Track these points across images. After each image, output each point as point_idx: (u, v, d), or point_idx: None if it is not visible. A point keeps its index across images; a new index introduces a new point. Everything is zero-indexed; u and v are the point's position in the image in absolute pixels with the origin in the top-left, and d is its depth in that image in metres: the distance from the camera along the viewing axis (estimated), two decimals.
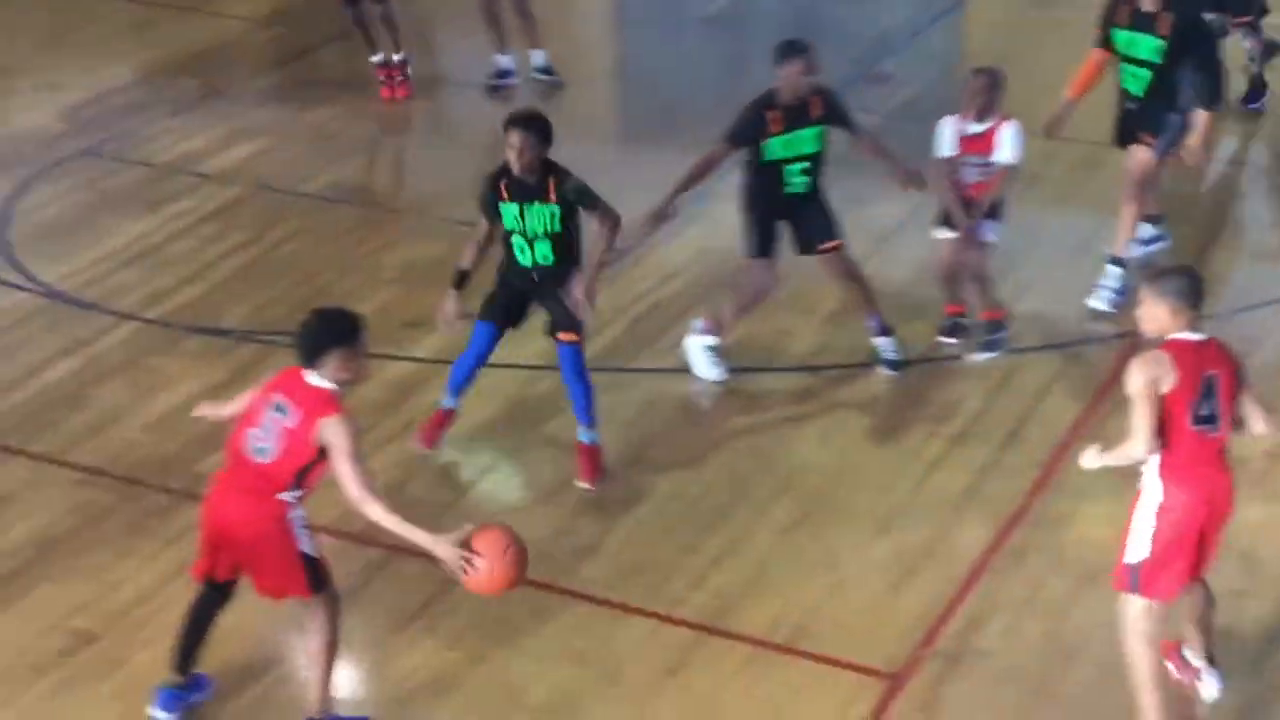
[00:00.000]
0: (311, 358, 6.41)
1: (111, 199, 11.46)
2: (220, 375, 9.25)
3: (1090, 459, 6.75)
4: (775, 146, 9.09)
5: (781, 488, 8.45)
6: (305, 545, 6.55)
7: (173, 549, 7.89)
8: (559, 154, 11.33)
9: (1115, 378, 9.15)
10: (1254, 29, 12.52)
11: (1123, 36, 9.85)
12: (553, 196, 8.11)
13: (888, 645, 7.36)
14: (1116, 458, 6.61)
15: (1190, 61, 9.73)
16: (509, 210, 8.18)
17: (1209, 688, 6.98)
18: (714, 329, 9.37)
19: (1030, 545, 8.01)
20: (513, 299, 8.41)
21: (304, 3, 14.49)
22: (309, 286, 10.18)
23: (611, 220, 8.27)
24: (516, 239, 8.23)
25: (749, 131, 9.13)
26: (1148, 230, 10.50)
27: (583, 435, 8.49)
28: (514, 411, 9.04)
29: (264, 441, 6.40)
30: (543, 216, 8.14)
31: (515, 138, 8.05)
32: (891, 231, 10.92)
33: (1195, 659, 7.00)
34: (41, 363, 9.43)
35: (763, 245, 9.30)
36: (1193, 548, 6.52)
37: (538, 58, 13.16)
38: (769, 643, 7.41)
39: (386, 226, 11.07)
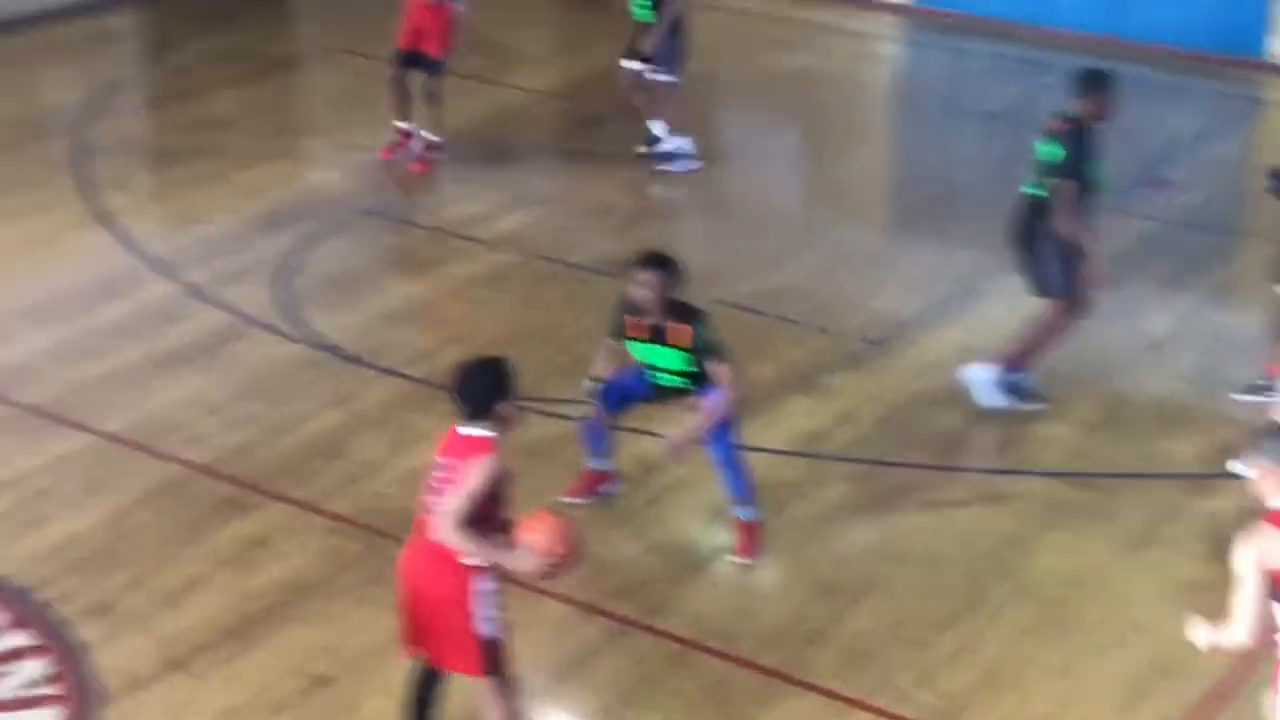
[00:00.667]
0: (476, 413, 6.50)
1: (390, 258, 11.87)
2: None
3: (1202, 636, 6.30)
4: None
5: (1020, 592, 8.31)
6: (484, 624, 6.56)
7: None
8: (831, 238, 11.49)
9: None
10: None
11: None
12: (679, 342, 8.13)
13: None
14: (1221, 645, 6.22)
15: None
16: (636, 347, 8.28)
17: None
18: (1007, 361, 9.56)
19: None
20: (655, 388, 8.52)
21: (590, 77, 14.83)
22: (568, 355, 10.37)
23: (728, 386, 8.11)
24: (649, 369, 8.33)
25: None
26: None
27: (741, 512, 8.49)
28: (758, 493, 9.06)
29: (437, 502, 6.50)
30: (669, 358, 8.20)
31: (644, 277, 8.07)
32: (1163, 339, 10.69)
33: None
34: (308, 413, 9.78)
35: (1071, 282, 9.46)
36: None
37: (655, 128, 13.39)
38: None
39: None
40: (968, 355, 10.51)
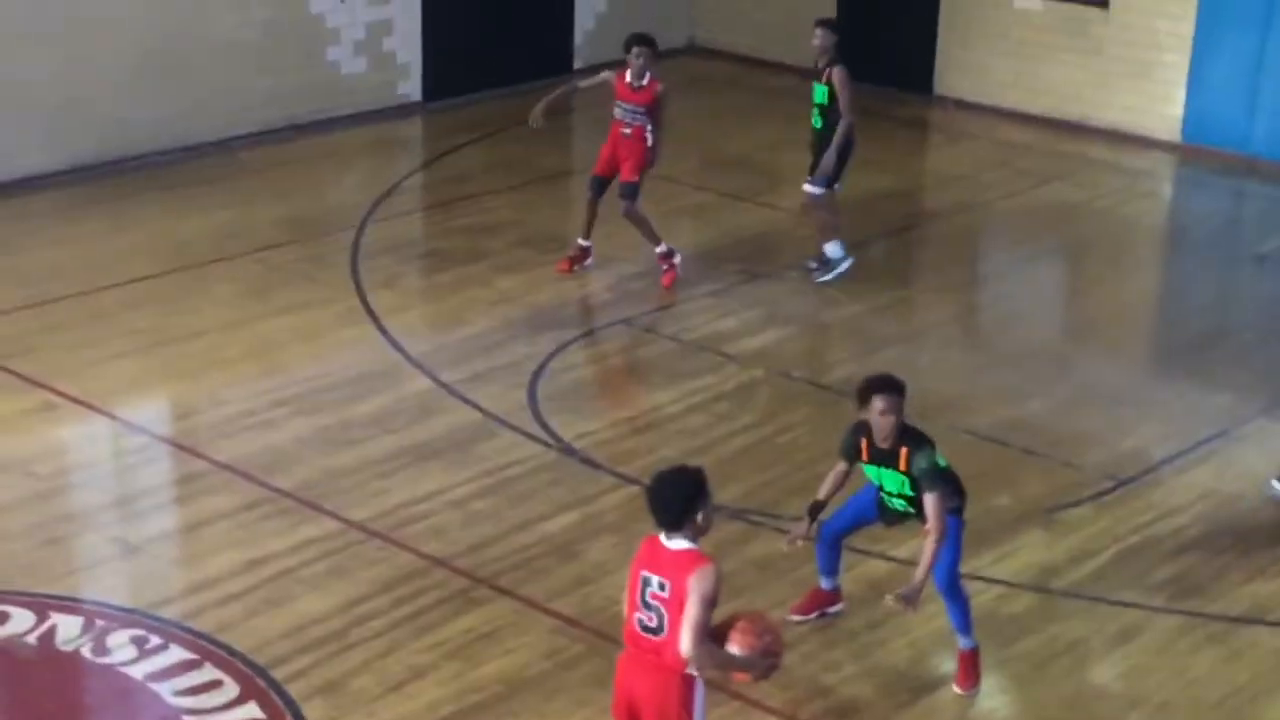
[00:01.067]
0: (676, 521, 6.59)
1: (637, 368, 12.08)
2: (706, 547, 9.51)
3: None
4: None
5: None
6: None
7: None
8: (1083, 373, 11.33)
9: None
10: None
11: None
12: (903, 467, 8.12)
13: None
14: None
15: None
16: (869, 469, 8.33)
17: None
18: None
19: None
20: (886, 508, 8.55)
21: (856, 200, 14.92)
22: (805, 473, 10.39)
23: (940, 525, 7.99)
24: (880, 492, 8.37)
25: None
26: None
27: (964, 642, 8.45)
28: (982, 625, 8.93)
29: (652, 620, 6.58)
30: (896, 482, 8.19)
31: (880, 403, 8.08)
32: None
33: None
34: (544, 513, 9.98)
35: None
36: None
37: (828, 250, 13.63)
38: None
39: None
40: (1212, 498, 10.28)
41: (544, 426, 11.02)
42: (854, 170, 14.40)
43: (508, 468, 10.49)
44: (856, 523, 8.72)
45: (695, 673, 6.61)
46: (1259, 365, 12.37)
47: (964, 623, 8.36)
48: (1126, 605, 9.20)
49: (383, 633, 8.80)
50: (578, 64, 18.80)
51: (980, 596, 9.13)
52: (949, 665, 8.54)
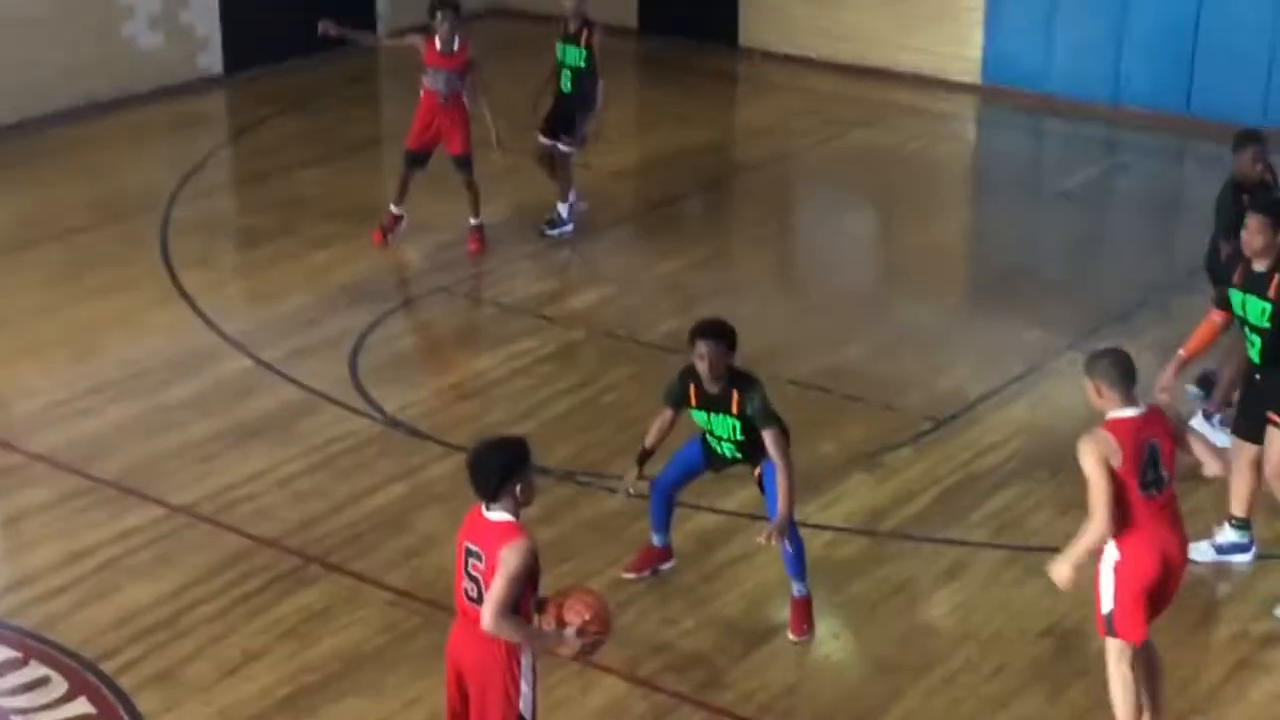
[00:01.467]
0: (494, 493, 6.59)
1: (459, 335, 12.03)
2: (535, 511, 9.50)
3: (1061, 569, 7.35)
4: None
5: (1080, 671, 8.26)
6: (525, 706, 6.65)
7: None
8: (899, 315, 11.53)
9: None
10: None
11: (1236, 297, 8.75)
12: (735, 410, 8.19)
13: None
14: (1085, 545, 7.26)
15: None
16: (698, 415, 8.36)
17: None
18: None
19: None
20: (713, 457, 8.59)
21: (666, 156, 15.00)
22: (631, 433, 10.42)
23: (786, 465, 8.13)
24: (708, 437, 8.43)
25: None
26: (1231, 536, 9.17)
27: (798, 589, 8.52)
28: (813, 571, 9.06)
29: (474, 591, 6.58)
30: (727, 426, 8.26)
31: (703, 348, 8.13)
32: None
33: None
34: (372, 487, 9.91)
35: None
36: (1151, 598, 7.32)
37: (562, 210, 13.57)
38: None
39: None
40: (1031, 433, 10.53)
41: (367, 399, 10.94)
42: (663, 125, 14.55)
43: (333, 443, 10.40)
44: (686, 474, 8.78)
45: (520, 651, 6.60)
46: (1066, 300, 12.67)
47: (798, 569, 8.46)
48: (951, 543, 9.39)
49: (215, 617, 8.69)
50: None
51: (811, 543, 9.21)
52: (783, 613, 8.65)
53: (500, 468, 6.58)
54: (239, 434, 10.50)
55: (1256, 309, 8.66)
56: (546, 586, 8.51)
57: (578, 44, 13.15)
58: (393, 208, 13.32)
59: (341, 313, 12.14)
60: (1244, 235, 8.65)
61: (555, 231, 13.49)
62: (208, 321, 12.02)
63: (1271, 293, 8.60)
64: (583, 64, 13.13)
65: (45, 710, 7.95)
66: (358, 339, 11.75)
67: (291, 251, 13.23)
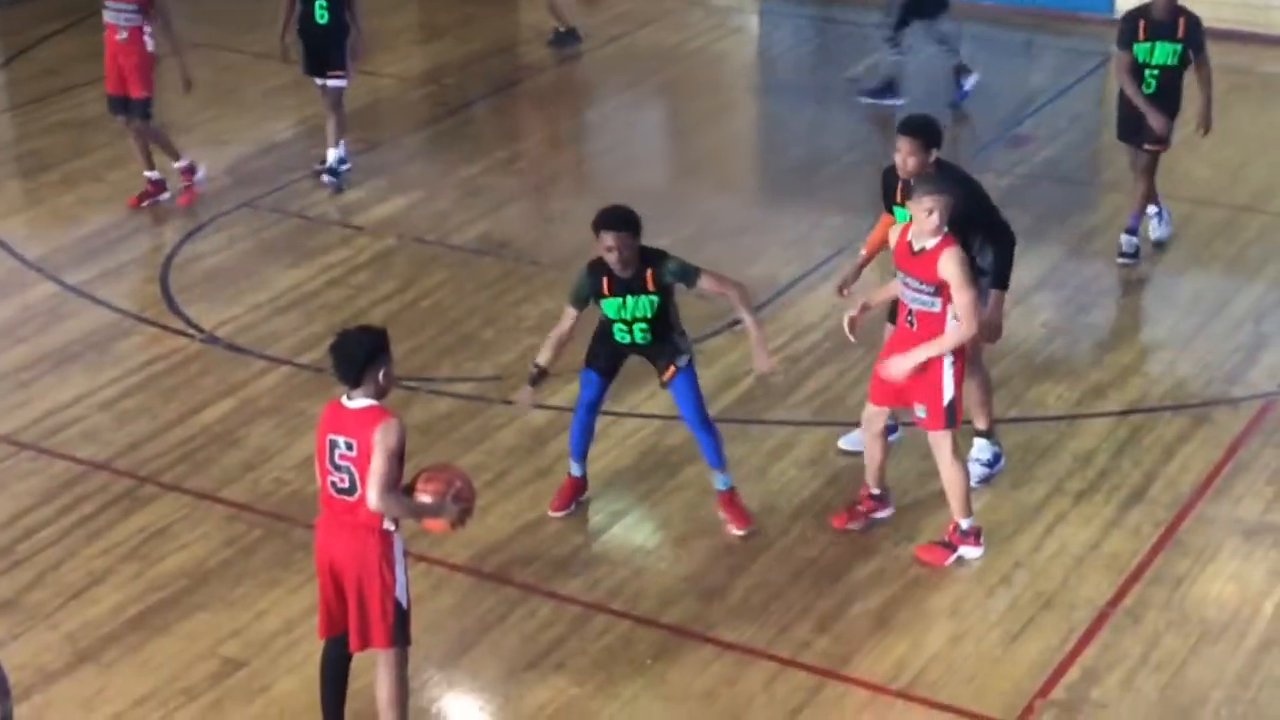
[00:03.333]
0: (357, 378, 6.65)
1: (269, 249, 11.95)
2: None
3: (903, 366, 8.04)
4: None
5: (906, 538, 8.61)
6: (401, 592, 6.79)
7: (316, 582, 8.25)
8: (702, 208, 11.73)
9: (1243, 440, 9.30)
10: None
11: (902, 213, 8.62)
12: (652, 285, 8.23)
13: (1005, 694, 7.50)
14: (947, 346, 7.95)
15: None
16: (612, 304, 8.32)
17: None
18: None
19: (1150, 602, 8.10)
20: (614, 352, 8.57)
21: (456, 62, 14.97)
22: (453, 335, 10.55)
23: (731, 284, 8.33)
24: (617, 326, 8.40)
25: None
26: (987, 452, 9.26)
27: (718, 481, 8.70)
28: (646, 460, 9.30)
29: (344, 481, 6.67)
30: (643, 305, 8.28)
31: (610, 239, 8.10)
32: (1028, 291, 11.06)
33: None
34: (198, 405, 9.87)
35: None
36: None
37: (331, 155, 12.81)
38: (889, 689, 7.58)
39: (530, 279, 11.41)
40: (843, 313, 10.80)
41: (183, 318, 10.84)
42: (449, 31, 14.49)
43: (152, 363, 10.32)
44: (601, 389, 8.66)
45: (391, 527, 6.72)
46: (863, 185, 12.90)
47: (718, 457, 8.59)
48: (776, 423, 9.67)
49: (52, 543, 8.63)
50: None
51: (640, 433, 9.49)
52: (618, 504, 8.87)
53: (364, 353, 6.65)
54: (54, 359, 10.35)
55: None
56: None
57: None
58: (146, 173, 12.40)
59: (146, 232, 11.99)
60: (897, 159, 8.59)
61: (333, 180, 12.77)
62: (6, 248, 11.76)
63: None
64: None
65: None
66: (166, 258, 11.62)
67: (85, 173, 12.99)
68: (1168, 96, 10.96)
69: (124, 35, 11.95)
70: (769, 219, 12.46)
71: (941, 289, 7.90)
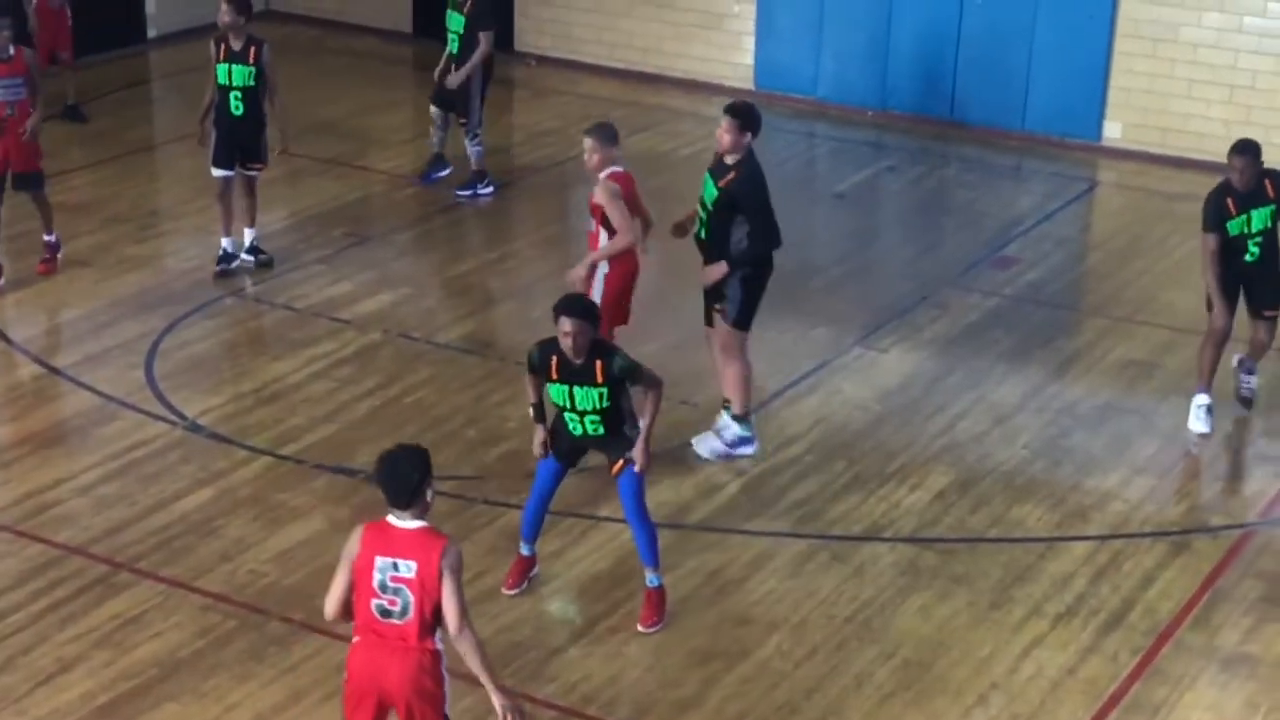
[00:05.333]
0: (410, 499, 6.54)
1: (255, 340, 11.96)
2: (345, 513, 9.61)
3: (579, 271, 10.17)
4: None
5: (883, 655, 8.59)
6: (448, 705, 6.71)
7: (289, 676, 8.22)
8: (689, 316, 11.76)
9: (1222, 569, 9.32)
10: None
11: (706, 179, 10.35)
12: (600, 379, 8.31)
13: None
14: (609, 253, 10.13)
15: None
16: (558, 390, 8.39)
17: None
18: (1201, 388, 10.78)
19: None
20: (572, 445, 8.69)
21: (448, 160, 15.00)
22: (436, 432, 10.54)
23: (656, 389, 8.41)
24: (569, 417, 8.48)
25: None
26: (730, 431, 10.46)
27: (649, 579, 8.73)
28: (623, 565, 9.26)
29: (395, 605, 6.50)
30: (591, 397, 8.35)
31: (568, 324, 8.20)
32: (1011, 411, 11.12)
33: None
34: (178, 492, 9.84)
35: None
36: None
37: (248, 236, 12.95)
38: None
39: (513, 380, 11.38)
40: (826, 425, 10.87)
41: (166, 405, 10.83)
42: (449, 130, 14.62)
43: (134, 449, 10.29)
44: (554, 479, 8.79)
45: (441, 646, 6.62)
46: (849, 297, 13.08)
47: (651, 555, 8.66)
48: (756, 534, 9.67)
49: (24, 627, 8.57)
50: (152, 33, 18.32)
51: (621, 537, 9.45)
52: (599, 606, 8.84)
53: (418, 474, 6.52)
54: (36, 442, 10.33)
55: (710, 192, 10.26)
56: None
57: (246, 62, 12.36)
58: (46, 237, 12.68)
59: (132, 319, 11.99)
60: (717, 133, 10.35)
61: (258, 257, 12.90)
62: None
63: (722, 183, 10.17)
64: (253, 82, 12.42)
65: None
66: (152, 345, 11.62)
67: (74, 257, 12.98)
68: (1273, 256, 10.84)
69: (11, 111, 12.14)
70: (755, 328, 12.46)
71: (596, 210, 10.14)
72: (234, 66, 12.39)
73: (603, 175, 10.19)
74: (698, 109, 17.52)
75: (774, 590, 9.14)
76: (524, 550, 8.99)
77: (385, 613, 6.52)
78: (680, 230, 10.67)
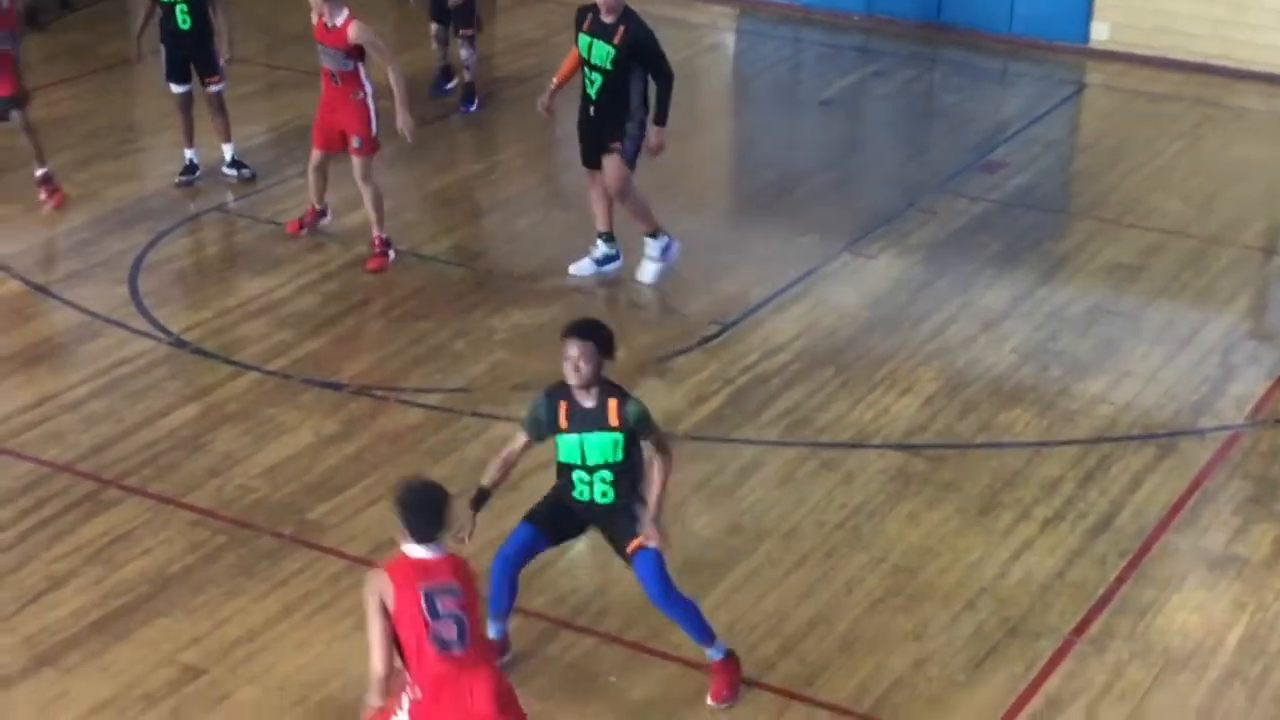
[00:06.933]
0: (442, 526, 6.38)
1: (239, 255, 11.89)
2: (333, 427, 9.59)
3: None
4: None
5: (872, 562, 8.60)
6: None
7: (279, 591, 8.23)
8: (675, 226, 11.72)
9: (1209, 471, 9.34)
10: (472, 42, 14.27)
11: (583, 41, 10.90)
12: (614, 421, 7.27)
13: None
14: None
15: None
16: (568, 443, 7.33)
17: None
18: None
19: (1115, 632, 8.11)
20: (567, 515, 7.57)
21: (428, 71, 14.88)
22: (423, 346, 10.51)
23: (668, 456, 7.40)
24: (577, 473, 7.38)
25: None
26: (602, 249, 11.49)
27: (711, 653, 7.62)
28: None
29: (451, 632, 6.27)
30: (604, 446, 7.28)
31: (573, 349, 7.18)
32: (999, 316, 11.10)
33: None
34: (165, 408, 9.80)
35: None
36: None
37: (228, 151, 12.89)
38: (853, 711, 7.57)
39: (500, 292, 11.39)
40: (813, 333, 10.84)
41: (151, 321, 10.78)
42: (422, 41, 14.47)
43: (119, 366, 10.24)
44: (529, 547, 7.61)
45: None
46: (836, 204, 13.01)
47: (701, 632, 7.57)
48: (745, 443, 9.66)
49: (12, 545, 8.55)
50: None
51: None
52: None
53: (444, 507, 6.40)
54: (20, 359, 10.28)
55: (601, 52, 10.78)
56: (354, 499, 8.67)
57: None
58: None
59: (115, 235, 11.91)
60: None
61: (240, 172, 12.80)
62: None
63: (616, 39, 10.74)
64: None
65: None
66: (135, 260, 11.55)
67: (55, 174, 12.86)
68: None
69: None
70: (742, 238, 12.45)
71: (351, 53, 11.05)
72: None
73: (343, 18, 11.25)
74: (682, 15, 17.34)
75: (763, 499, 9.15)
76: (492, 631, 7.62)
77: (444, 642, 6.26)
78: (549, 109, 11.37)
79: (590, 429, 7.27)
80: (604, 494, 7.39)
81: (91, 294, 11.06)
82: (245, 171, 12.87)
